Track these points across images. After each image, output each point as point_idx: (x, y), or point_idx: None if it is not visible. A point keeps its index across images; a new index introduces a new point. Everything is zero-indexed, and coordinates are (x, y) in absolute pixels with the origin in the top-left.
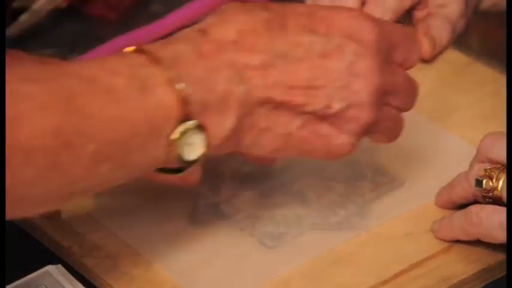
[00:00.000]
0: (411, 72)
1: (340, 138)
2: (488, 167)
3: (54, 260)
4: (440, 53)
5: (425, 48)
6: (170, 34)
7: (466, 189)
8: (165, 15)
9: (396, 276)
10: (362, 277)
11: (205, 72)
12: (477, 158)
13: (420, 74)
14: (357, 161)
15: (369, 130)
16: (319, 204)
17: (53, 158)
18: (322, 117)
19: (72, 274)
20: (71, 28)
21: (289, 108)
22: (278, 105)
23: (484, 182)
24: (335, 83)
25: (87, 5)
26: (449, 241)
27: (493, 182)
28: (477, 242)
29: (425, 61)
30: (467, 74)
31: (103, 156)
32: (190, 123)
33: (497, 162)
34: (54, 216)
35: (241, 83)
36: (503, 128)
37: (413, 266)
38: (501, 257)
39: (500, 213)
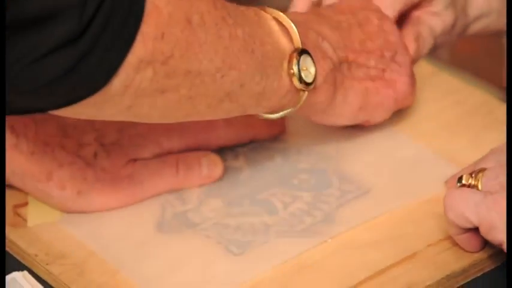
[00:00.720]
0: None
1: (402, 80)
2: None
3: (20, 267)
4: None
5: (411, 51)
6: None
7: None
8: None
9: (361, 283)
10: (328, 284)
11: (299, 26)
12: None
13: None
14: (323, 169)
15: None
16: (286, 212)
17: (217, 27)
18: (382, 69)
19: (38, 282)
20: None
21: (359, 66)
22: (350, 64)
23: (464, 177)
24: (377, 41)
25: None
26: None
27: (472, 178)
28: (442, 249)
29: None
30: (432, 84)
31: (248, 46)
32: (301, 50)
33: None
34: (20, 224)
35: (323, 41)
36: (467, 137)
37: (378, 273)
38: (465, 263)
39: (476, 194)
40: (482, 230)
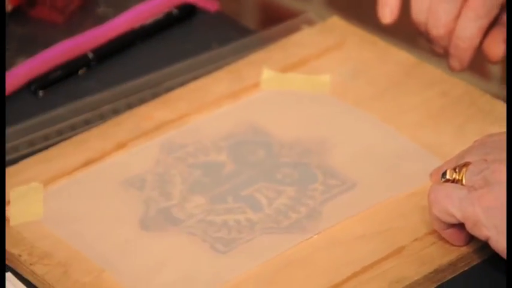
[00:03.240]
0: (359, 72)
1: None
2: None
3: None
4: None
5: (500, 53)
6: (117, 37)
7: None
8: (112, 18)
9: (349, 278)
10: (314, 280)
11: None
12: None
13: (370, 75)
14: (307, 164)
15: None
16: (271, 208)
17: None
18: None
19: (22, 282)
20: (18, 31)
21: None
22: None
23: (447, 172)
24: None
25: (33, 9)
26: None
27: (456, 173)
28: (429, 243)
29: (493, 63)
30: (415, 75)
31: None
32: None
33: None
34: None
35: None
36: (451, 128)
37: (365, 269)
38: (453, 257)
39: (460, 189)
40: (467, 225)
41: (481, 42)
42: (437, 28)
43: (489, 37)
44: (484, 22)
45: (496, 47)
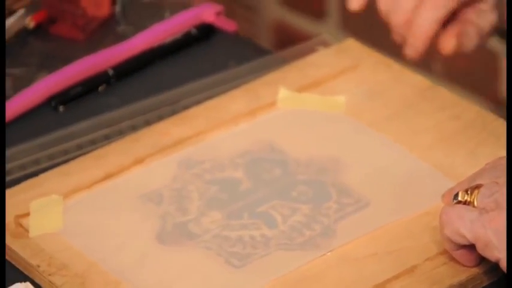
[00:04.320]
0: (374, 94)
1: None
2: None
3: (23, 278)
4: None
5: (451, 47)
6: (136, 55)
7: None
8: (131, 37)
9: None
10: None
11: None
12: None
13: (385, 97)
14: (322, 182)
15: None
16: (285, 225)
17: None
18: None
19: None
20: (39, 48)
21: None
22: None
23: (459, 194)
24: None
25: (55, 26)
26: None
27: (467, 195)
28: (440, 263)
29: (443, 55)
30: (429, 98)
31: None
32: None
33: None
34: (22, 235)
35: None
36: (463, 151)
37: (377, 287)
38: (463, 277)
39: (472, 211)
40: (478, 247)
41: (438, 35)
42: (398, 15)
43: (445, 30)
44: (441, 13)
45: (449, 41)
